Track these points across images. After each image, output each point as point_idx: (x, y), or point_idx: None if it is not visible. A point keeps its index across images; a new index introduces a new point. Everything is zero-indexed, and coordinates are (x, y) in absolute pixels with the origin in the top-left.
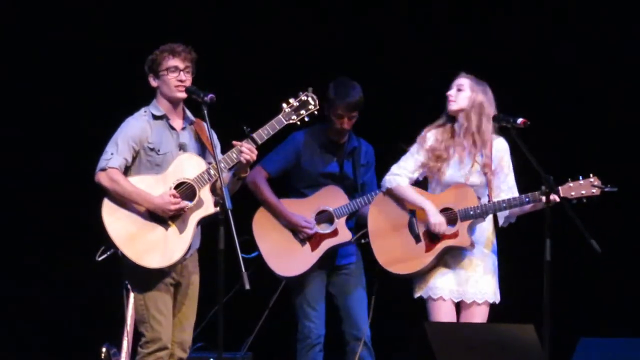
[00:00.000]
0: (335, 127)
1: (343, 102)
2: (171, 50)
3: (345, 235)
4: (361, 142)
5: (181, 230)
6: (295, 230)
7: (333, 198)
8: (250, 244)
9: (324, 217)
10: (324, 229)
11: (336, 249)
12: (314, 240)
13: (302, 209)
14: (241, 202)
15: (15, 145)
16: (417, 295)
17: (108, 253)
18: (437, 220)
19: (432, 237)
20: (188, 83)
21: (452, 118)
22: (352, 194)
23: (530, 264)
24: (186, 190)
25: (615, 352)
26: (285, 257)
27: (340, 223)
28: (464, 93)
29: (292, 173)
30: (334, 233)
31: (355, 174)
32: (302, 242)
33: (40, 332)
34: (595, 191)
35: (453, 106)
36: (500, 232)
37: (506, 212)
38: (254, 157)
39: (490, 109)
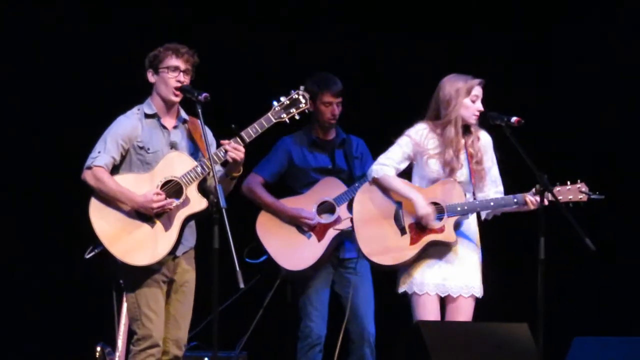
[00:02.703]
0: (326, 117)
1: (329, 89)
2: (175, 49)
3: (348, 221)
4: (350, 136)
5: (167, 227)
6: (298, 223)
7: (331, 188)
8: (257, 250)
9: (325, 207)
10: (327, 218)
11: (342, 239)
12: (319, 230)
13: (302, 204)
14: (245, 209)
15: (9, 144)
16: (401, 290)
17: (96, 251)
18: (425, 212)
19: (418, 231)
20: None
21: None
22: (348, 185)
23: (524, 263)
24: (173, 188)
25: (609, 351)
26: (293, 251)
27: (342, 210)
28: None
29: (287, 175)
30: (337, 221)
31: (349, 165)
32: (308, 235)
33: (35, 332)
34: (583, 197)
35: (476, 121)
36: (494, 229)
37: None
38: (241, 155)
39: None
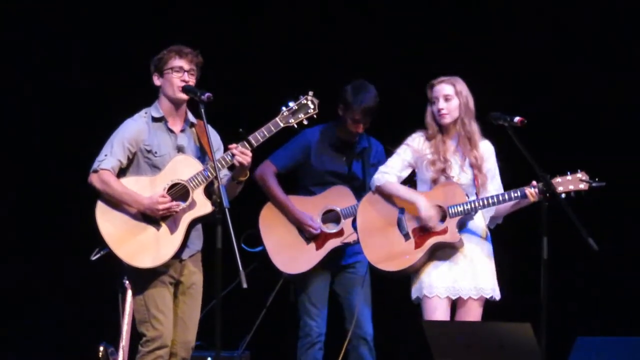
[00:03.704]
0: (350, 130)
1: (360, 108)
2: (178, 51)
3: (351, 236)
4: (371, 141)
5: (172, 230)
6: (301, 228)
7: (341, 198)
8: (255, 238)
9: (331, 216)
10: (330, 228)
11: (342, 249)
12: (320, 239)
13: (309, 207)
14: (248, 195)
15: (12, 146)
16: (414, 296)
17: (102, 253)
18: (428, 213)
19: (421, 234)
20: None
21: (440, 127)
22: (360, 194)
23: (527, 262)
24: (179, 191)
25: (612, 351)
26: (290, 254)
27: (347, 223)
28: (453, 102)
29: (301, 170)
30: (340, 233)
31: (364, 174)
32: (308, 240)
33: (38, 332)
34: (584, 186)
35: (447, 119)
36: (498, 229)
37: (492, 212)
38: (248, 159)
39: (473, 105)
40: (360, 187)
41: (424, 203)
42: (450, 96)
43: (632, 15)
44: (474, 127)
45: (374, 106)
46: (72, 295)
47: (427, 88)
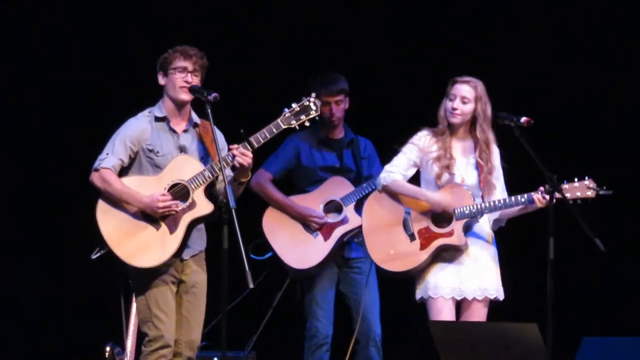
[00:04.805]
0: (326, 117)
1: (326, 89)
2: (183, 51)
3: (355, 220)
4: (358, 137)
5: (172, 230)
6: (305, 222)
7: (338, 188)
8: (262, 247)
9: (332, 206)
10: (334, 218)
11: (348, 239)
12: (325, 230)
13: (309, 202)
14: (250, 207)
15: (12, 146)
16: (418, 296)
17: (102, 252)
18: (445, 200)
19: (427, 236)
20: None
21: (449, 124)
22: (356, 185)
23: (534, 263)
24: (180, 191)
25: (618, 352)
26: (299, 249)
27: (349, 210)
28: (469, 106)
29: (294, 173)
30: (344, 221)
31: (357, 165)
32: (314, 233)
33: (44, 332)
34: (590, 193)
35: (457, 120)
36: (504, 230)
37: (496, 215)
38: (249, 160)
39: (490, 112)
40: (355, 179)
41: (433, 195)
42: (468, 100)
43: (632, 15)
44: (491, 136)
45: (339, 85)
46: (76, 295)
47: (449, 82)
